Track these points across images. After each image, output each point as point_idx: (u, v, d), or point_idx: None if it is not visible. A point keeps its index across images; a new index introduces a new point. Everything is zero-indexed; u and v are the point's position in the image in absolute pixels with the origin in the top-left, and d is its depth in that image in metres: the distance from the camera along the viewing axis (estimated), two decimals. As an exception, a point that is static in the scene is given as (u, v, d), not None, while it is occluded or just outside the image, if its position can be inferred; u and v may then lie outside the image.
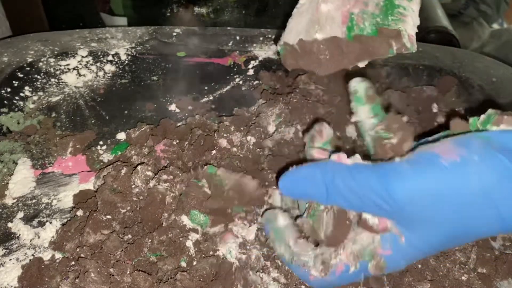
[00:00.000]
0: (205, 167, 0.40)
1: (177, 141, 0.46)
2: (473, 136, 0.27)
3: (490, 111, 0.29)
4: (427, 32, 0.96)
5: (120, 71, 0.59)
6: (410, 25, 0.37)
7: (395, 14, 0.37)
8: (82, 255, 0.36)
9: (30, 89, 0.54)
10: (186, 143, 0.46)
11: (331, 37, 0.40)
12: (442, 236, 0.28)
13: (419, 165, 0.27)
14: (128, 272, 0.35)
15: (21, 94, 0.54)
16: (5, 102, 0.52)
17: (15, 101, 0.53)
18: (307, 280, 0.32)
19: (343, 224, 0.31)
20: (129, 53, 0.61)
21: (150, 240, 0.37)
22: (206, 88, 0.58)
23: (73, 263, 0.37)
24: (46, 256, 0.38)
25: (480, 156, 0.26)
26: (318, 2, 0.40)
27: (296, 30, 0.42)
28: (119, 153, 0.47)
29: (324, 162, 0.31)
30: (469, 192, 0.26)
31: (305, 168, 0.31)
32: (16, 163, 0.46)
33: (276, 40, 0.59)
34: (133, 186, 0.41)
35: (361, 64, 0.42)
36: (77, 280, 0.35)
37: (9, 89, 0.54)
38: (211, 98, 0.57)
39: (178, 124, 0.51)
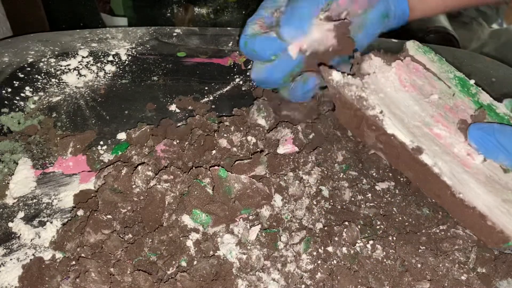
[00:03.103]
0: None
1: (177, 141, 0.46)
2: None
3: None
4: (427, 32, 0.96)
5: (121, 71, 0.59)
6: None
7: None
8: (82, 255, 0.37)
9: (31, 89, 0.55)
10: (186, 143, 0.46)
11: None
12: None
13: None
14: (128, 272, 0.35)
15: (22, 94, 0.54)
16: (5, 102, 0.52)
17: (15, 101, 0.53)
18: None
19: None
20: (130, 53, 0.61)
21: (150, 240, 0.37)
22: (206, 88, 0.58)
23: (73, 262, 0.37)
24: (47, 255, 0.38)
25: None
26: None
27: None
28: (120, 153, 0.47)
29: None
30: None
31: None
32: (17, 163, 0.46)
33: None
34: (133, 186, 0.41)
35: None
36: (77, 280, 0.35)
37: (9, 89, 0.54)
38: (211, 98, 0.57)
39: (178, 124, 0.51)
